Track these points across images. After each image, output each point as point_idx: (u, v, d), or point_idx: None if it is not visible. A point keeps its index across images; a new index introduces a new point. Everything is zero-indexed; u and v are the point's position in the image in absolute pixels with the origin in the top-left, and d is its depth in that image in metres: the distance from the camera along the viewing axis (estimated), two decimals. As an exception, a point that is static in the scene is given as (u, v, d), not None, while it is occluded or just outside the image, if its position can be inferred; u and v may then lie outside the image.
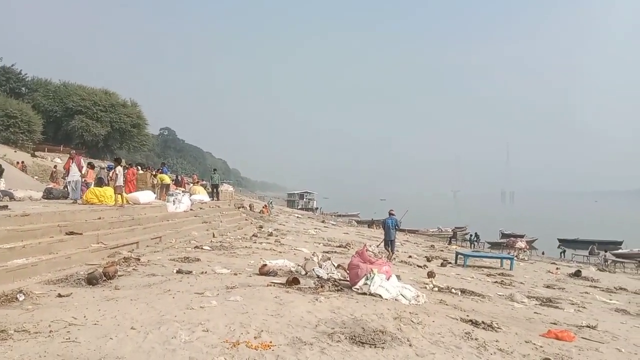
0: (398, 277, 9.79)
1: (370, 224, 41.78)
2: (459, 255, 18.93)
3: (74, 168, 14.91)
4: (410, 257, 18.08)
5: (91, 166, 18.20)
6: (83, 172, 15.58)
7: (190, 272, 9.35)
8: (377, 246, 14.98)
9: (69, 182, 15.13)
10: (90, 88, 58.95)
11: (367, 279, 8.59)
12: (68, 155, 17.43)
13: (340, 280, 9.45)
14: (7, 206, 10.48)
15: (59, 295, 6.74)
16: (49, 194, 16.55)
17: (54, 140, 54.23)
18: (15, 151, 40.57)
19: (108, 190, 14.68)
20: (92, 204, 13.56)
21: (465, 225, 48.55)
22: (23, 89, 56.66)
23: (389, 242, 16.60)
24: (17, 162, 32.03)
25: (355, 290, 8.49)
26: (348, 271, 9.39)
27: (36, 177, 30.69)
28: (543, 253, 32.45)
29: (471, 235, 37.22)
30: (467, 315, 7.73)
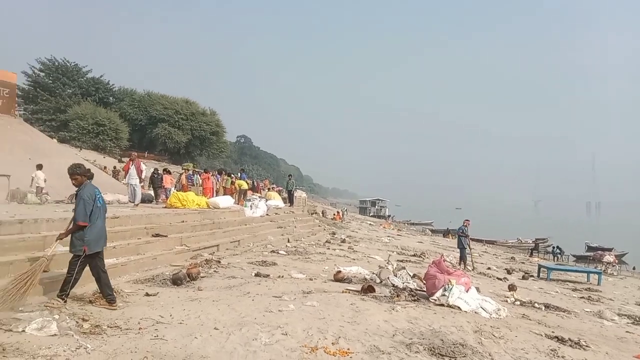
0: (477, 289, 9.49)
1: (446, 233, 40.72)
2: (542, 268, 18.04)
3: (132, 171, 15.22)
4: (489, 268, 17.43)
5: (167, 172, 18.88)
6: (143, 176, 15.90)
7: (268, 275, 9.55)
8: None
9: (128, 184, 15.37)
10: (172, 97, 61.84)
11: (445, 289, 8.38)
12: (128, 157, 17.35)
13: (416, 290, 9.31)
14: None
15: (147, 294, 7.10)
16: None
17: (139, 147, 57.34)
18: (104, 157, 43.34)
19: (190, 195, 15.32)
20: (175, 207, 14.19)
21: (547, 237, 46.21)
22: (111, 98, 60.38)
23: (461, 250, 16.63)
24: (104, 167, 34.08)
25: (432, 300, 8.31)
26: (425, 281, 9.22)
27: (123, 181, 32.45)
28: (634, 268, 30.19)
29: (554, 248, 35.39)
30: (552, 332, 7.34)
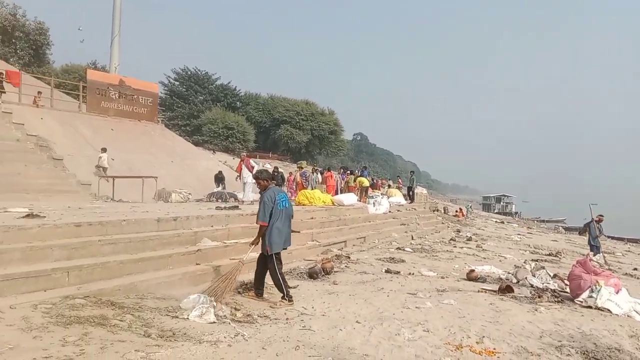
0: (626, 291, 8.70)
1: (582, 231, 37.50)
2: (702, 271, 16.02)
3: (245, 170, 15.64)
4: (635, 269, 15.86)
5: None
6: (254, 172, 16.30)
7: (398, 272, 9.57)
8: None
9: (244, 184, 15.81)
10: (293, 99, 64.27)
11: (592, 291, 7.80)
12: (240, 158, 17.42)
13: (558, 291, 8.77)
14: (237, 206, 12.00)
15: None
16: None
17: (264, 148, 60.34)
18: (233, 158, 46.13)
19: (316, 193, 15.83)
20: (303, 205, 14.75)
21: None
22: (238, 103, 63.96)
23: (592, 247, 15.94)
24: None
25: (577, 302, 7.78)
26: (568, 282, 8.66)
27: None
28: None
29: None
30: None
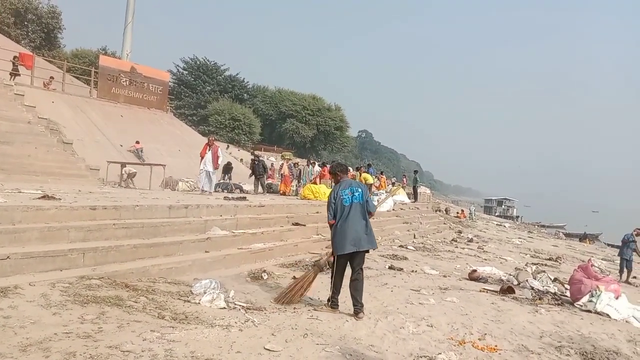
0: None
1: (583, 237, 37.62)
2: None
3: (208, 157, 13.93)
4: (634, 277, 15.98)
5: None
6: (219, 162, 14.49)
7: (402, 269, 9.74)
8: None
9: (203, 171, 13.95)
10: (300, 93, 64.50)
11: (592, 295, 7.94)
12: (207, 141, 14.81)
13: (558, 294, 8.92)
14: (245, 197, 12.16)
15: (294, 278, 7.61)
16: (269, 188, 18.66)
17: (269, 141, 60.61)
18: (238, 150, 46.32)
19: (322, 187, 15.98)
20: (308, 199, 14.90)
21: None
22: (245, 95, 64.16)
23: (623, 261, 14.18)
24: (240, 159, 36.44)
25: (577, 306, 7.92)
26: (568, 286, 8.81)
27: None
28: None
29: None
30: None
